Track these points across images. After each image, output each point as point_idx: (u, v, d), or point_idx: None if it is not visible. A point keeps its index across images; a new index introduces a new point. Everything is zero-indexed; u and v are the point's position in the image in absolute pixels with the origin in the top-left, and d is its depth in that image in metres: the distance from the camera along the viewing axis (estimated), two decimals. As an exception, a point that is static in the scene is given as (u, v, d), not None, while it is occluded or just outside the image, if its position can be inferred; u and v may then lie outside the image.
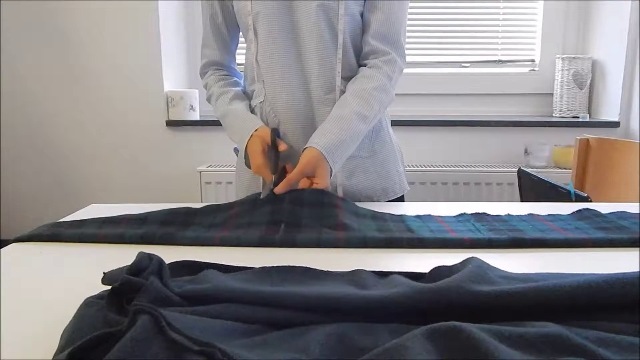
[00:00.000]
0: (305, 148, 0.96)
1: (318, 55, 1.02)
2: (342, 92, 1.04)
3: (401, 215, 0.89)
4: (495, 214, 0.89)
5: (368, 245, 0.73)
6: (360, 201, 1.01)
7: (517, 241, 0.73)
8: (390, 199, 1.12)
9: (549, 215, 0.88)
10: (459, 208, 0.94)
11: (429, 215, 0.89)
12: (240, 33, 1.15)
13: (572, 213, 0.89)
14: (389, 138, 1.15)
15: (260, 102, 1.07)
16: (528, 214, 0.89)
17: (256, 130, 1.00)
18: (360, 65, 1.07)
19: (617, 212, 0.89)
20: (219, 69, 1.16)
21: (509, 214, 0.89)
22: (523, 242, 0.73)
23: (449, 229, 0.80)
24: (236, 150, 1.20)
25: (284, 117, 1.05)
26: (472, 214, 0.89)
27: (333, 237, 0.75)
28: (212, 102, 1.13)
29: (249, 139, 0.99)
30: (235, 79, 1.17)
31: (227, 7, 1.10)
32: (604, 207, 0.94)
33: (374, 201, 1.09)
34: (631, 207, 0.95)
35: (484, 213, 0.89)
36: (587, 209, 0.90)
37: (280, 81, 1.03)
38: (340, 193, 1.06)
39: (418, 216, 0.89)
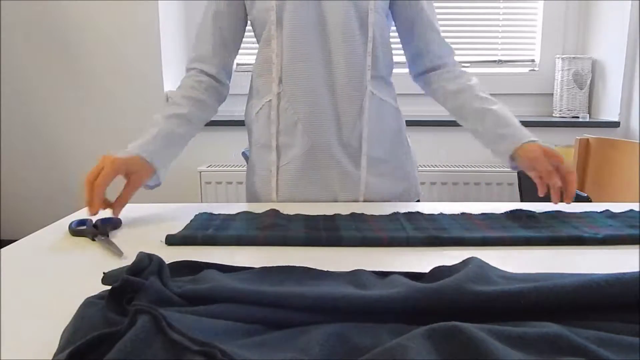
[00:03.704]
0: (518, 147, 0.98)
1: (346, 50, 1.00)
2: (371, 92, 1.03)
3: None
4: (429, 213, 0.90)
5: (410, 244, 0.75)
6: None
7: (434, 239, 0.75)
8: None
9: (481, 214, 0.89)
10: (459, 208, 0.94)
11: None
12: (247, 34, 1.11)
13: (504, 212, 0.90)
14: (407, 142, 1.14)
15: (268, 101, 1.04)
16: (460, 213, 0.89)
17: (143, 158, 0.92)
18: (423, 64, 1.10)
19: (552, 211, 0.91)
20: (203, 71, 1.08)
21: (441, 213, 0.89)
22: (440, 240, 0.75)
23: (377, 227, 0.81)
24: (244, 154, 1.19)
25: (305, 114, 1.02)
26: (404, 213, 0.90)
27: (377, 236, 0.76)
28: (170, 100, 1.08)
29: (129, 153, 0.92)
30: (214, 87, 1.09)
31: (234, 5, 1.06)
32: (603, 207, 0.94)
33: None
34: (631, 207, 0.95)
35: (417, 212, 0.90)
36: (521, 209, 0.90)
37: (304, 77, 1.01)
38: (361, 198, 1.05)
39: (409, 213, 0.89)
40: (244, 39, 1.12)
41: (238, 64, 2.58)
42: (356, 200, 1.05)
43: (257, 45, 1.08)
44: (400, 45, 1.12)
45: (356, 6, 0.99)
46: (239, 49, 1.12)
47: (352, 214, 0.89)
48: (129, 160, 0.91)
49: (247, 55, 2.64)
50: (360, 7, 0.99)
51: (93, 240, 0.78)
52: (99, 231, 0.80)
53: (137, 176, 0.92)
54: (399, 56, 1.13)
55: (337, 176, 1.05)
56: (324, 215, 0.89)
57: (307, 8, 0.99)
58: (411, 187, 1.12)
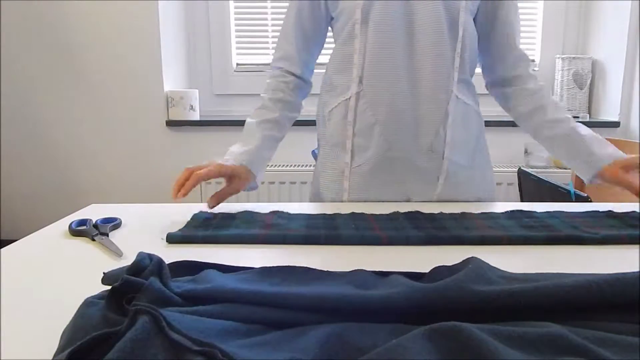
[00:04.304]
0: (596, 175, 0.99)
1: (434, 51, 0.98)
2: (456, 96, 1.01)
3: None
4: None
5: (410, 243, 0.76)
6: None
7: (433, 238, 0.76)
8: None
9: (481, 213, 0.89)
10: (460, 208, 0.94)
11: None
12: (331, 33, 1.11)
13: (503, 212, 0.90)
14: (486, 147, 1.13)
15: (345, 99, 1.03)
16: (460, 213, 0.90)
17: (248, 169, 0.99)
18: (501, 74, 1.09)
19: (552, 211, 0.91)
20: (288, 71, 1.09)
21: (441, 212, 0.90)
22: (439, 239, 0.76)
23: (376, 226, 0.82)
24: (314, 153, 1.19)
25: (384, 117, 1.00)
26: (404, 212, 0.90)
27: (376, 234, 0.77)
28: (259, 105, 1.09)
29: (239, 162, 0.98)
30: (299, 86, 1.11)
31: (316, 5, 1.06)
32: (603, 207, 0.94)
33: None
34: (631, 207, 0.94)
35: (417, 211, 0.90)
36: (521, 210, 0.91)
37: (387, 77, 0.99)
38: (434, 198, 1.04)
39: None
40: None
41: (238, 64, 2.58)
42: (431, 201, 1.04)
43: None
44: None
45: (446, 5, 0.97)
46: (322, 47, 1.12)
47: (353, 213, 0.89)
48: (236, 168, 0.97)
49: (249, 56, 2.64)
50: (450, 7, 0.97)
51: (93, 240, 0.78)
52: (99, 231, 0.80)
53: (241, 182, 0.98)
54: None
55: (413, 180, 1.03)
56: (324, 214, 0.89)
57: (396, 7, 0.97)
58: (487, 194, 1.11)
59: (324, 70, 1.11)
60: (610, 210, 0.91)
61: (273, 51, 1.13)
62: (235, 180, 0.98)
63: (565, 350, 0.38)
